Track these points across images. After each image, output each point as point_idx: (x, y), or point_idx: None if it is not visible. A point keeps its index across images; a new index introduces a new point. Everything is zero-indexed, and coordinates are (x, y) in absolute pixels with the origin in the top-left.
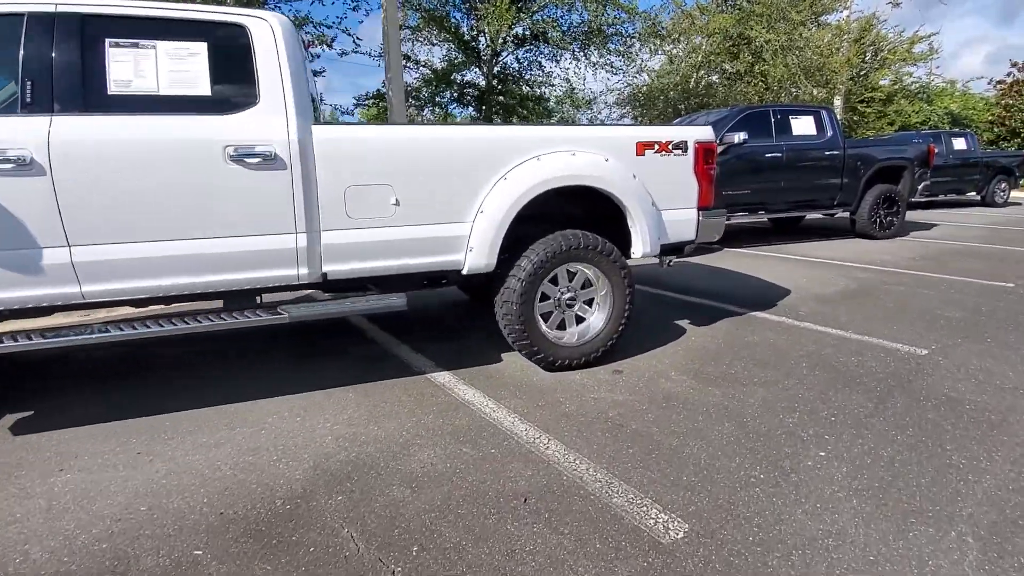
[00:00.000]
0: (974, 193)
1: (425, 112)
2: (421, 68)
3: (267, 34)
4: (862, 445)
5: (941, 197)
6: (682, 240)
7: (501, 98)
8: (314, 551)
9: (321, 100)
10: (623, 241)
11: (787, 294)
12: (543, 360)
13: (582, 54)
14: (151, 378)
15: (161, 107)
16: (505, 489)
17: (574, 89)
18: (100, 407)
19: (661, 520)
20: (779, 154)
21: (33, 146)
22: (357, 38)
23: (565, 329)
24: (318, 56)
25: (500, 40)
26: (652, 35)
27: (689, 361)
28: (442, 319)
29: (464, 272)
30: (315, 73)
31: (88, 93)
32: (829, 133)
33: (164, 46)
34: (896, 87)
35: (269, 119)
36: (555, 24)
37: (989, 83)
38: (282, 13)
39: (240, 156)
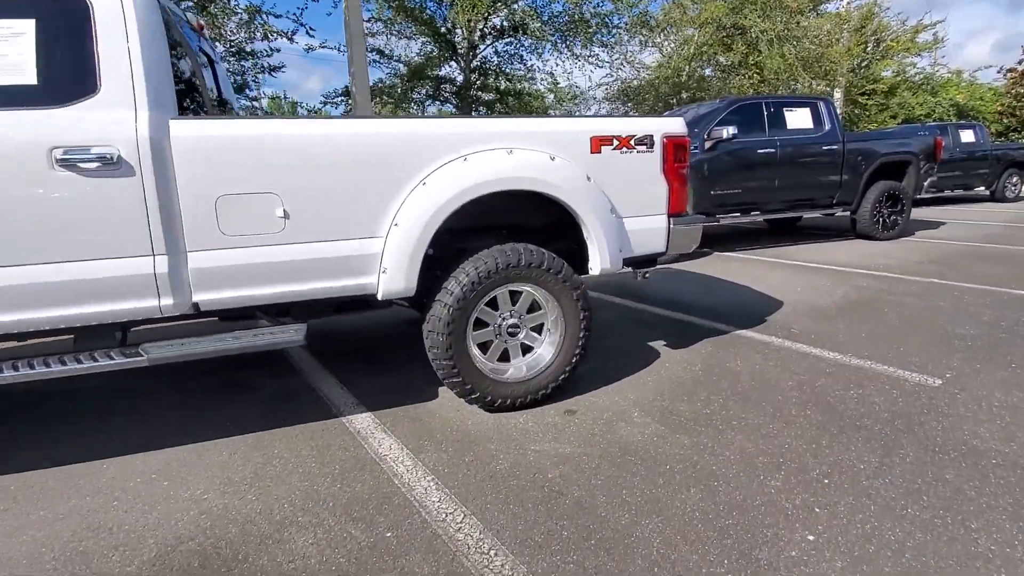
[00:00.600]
0: (983, 188)
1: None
2: (394, 63)
3: (112, 3)
4: (862, 524)
5: (948, 193)
6: (650, 252)
7: (480, 94)
8: None
9: (257, 100)
10: (584, 255)
11: (779, 307)
12: (479, 400)
13: (564, 46)
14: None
15: None
16: None
17: (558, 84)
18: None
19: None
20: (772, 149)
21: None
22: (311, 29)
23: (509, 361)
24: (277, 51)
25: (477, 32)
26: (641, 25)
27: (658, 396)
28: (386, 341)
29: (380, 298)
30: (272, 69)
31: None
32: (827, 126)
33: None
34: (899, 78)
35: (111, 112)
36: (535, 14)
37: (999, 71)
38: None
39: (71, 160)
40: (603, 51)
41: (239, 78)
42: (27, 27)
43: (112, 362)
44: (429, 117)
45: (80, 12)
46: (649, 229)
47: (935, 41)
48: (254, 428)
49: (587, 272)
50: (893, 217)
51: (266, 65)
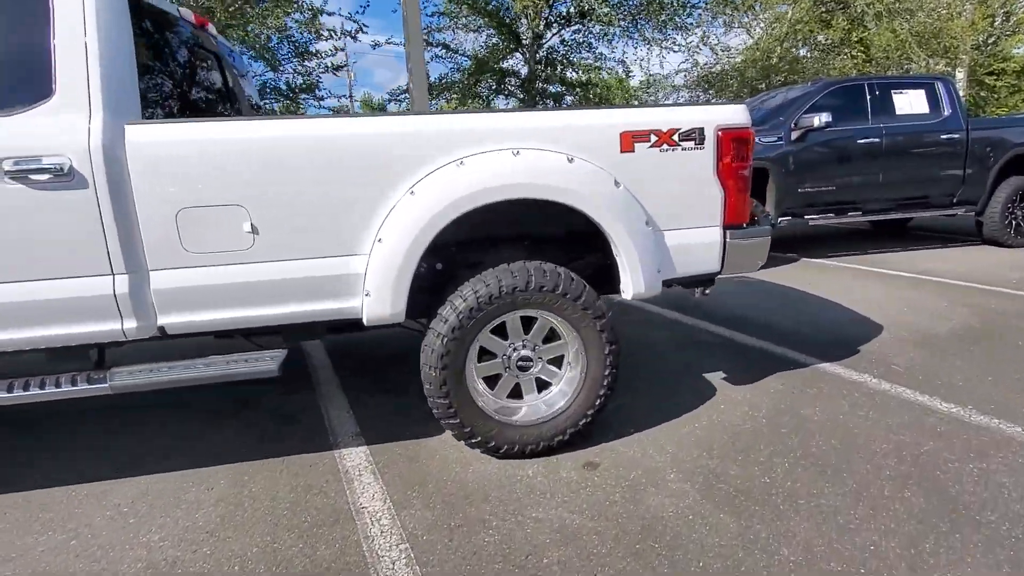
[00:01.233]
0: None
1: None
2: (458, 57)
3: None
4: None
5: None
6: (699, 272)
7: (546, 86)
8: None
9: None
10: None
11: (877, 333)
12: (481, 445)
13: (635, 31)
14: None
15: None
16: None
17: (629, 72)
18: None
19: None
20: (877, 139)
21: None
22: (364, 25)
23: (523, 398)
24: (341, 50)
25: (541, 20)
26: (725, 4)
27: (704, 452)
28: (414, 353)
29: (365, 324)
30: (337, 68)
31: None
32: (947, 111)
33: None
34: None
35: (63, 118)
36: None
37: None
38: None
39: (22, 172)
40: (679, 35)
41: (303, 79)
42: None
43: (71, 389)
44: (420, 112)
45: (39, 6)
46: (697, 244)
47: None
48: (244, 455)
49: (618, 293)
50: None
51: (329, 64)
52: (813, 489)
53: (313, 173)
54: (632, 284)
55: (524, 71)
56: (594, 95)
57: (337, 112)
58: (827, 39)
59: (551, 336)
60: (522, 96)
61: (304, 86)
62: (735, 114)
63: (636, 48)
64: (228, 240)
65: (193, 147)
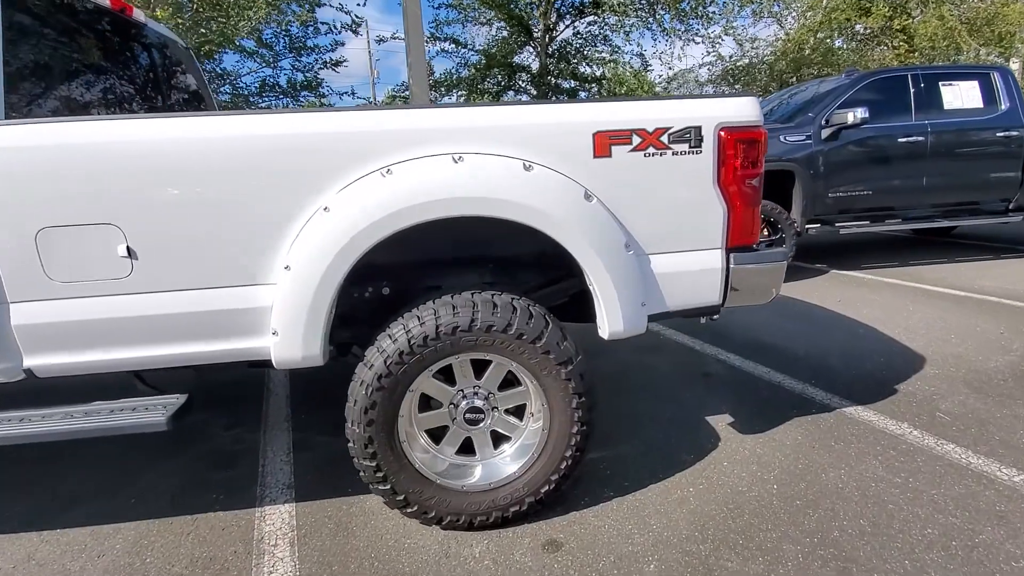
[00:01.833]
0: None
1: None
2: (464, 51)
3: None
4: None
5: None
6: (694, 305)
7: (558, 81)
8: None
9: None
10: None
11: (919, 367)
12: (418, 516)
13: (653, 21)
14: None
15: None
16: None
17: (648, 66)
18: None
19: None
20: (921, 137)
21: None
22: (356, 17)
23: (475, 454)
24: (341, 44)
25: (553, 10)
26: None
27: (697, 531)
28: None
29: (275, 366)
30: (336, 64)
31: None
32: (1005, 105)
33: None
34: None
35: None
36: None
37: None
38: None
39: None
40: (700, 24)
41: (303, 75)
42: None
43: None
44: (336, 109)
45: None
46: (692, 271)
47: None
48: (156, 510)
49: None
50: None
51: (328, 60)
52: None
53: (198, 185)
54: (608, 321)
55: (535, 65)
56: (609, 90)
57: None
58: (866, 28)
59: (511, 380)
60: (534, 92)
61: (305, 83)
62: (742, 109)
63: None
64: (101, 267)
65: (50, 153)
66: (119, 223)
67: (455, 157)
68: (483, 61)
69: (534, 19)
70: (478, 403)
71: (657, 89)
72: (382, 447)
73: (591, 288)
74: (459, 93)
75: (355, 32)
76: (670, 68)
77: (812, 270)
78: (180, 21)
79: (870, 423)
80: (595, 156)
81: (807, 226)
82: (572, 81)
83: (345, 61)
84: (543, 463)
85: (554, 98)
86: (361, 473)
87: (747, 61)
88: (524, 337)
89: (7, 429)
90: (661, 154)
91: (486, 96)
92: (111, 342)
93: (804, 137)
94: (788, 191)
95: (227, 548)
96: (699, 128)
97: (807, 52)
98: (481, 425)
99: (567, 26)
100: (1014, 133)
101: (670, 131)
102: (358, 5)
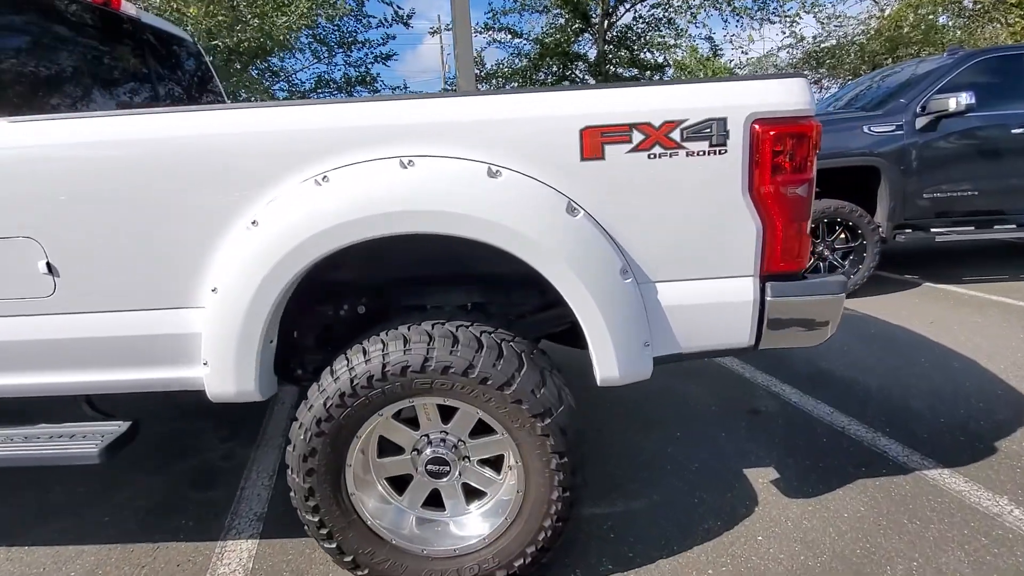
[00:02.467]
0: None
1: None
2: (518, 41)
3: None
4: None
5: None
6: (716, 347)
7: (616, 69)
8: None
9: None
10: None
11: None
12: None
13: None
14: None
15: None
16: None
17: (718, 51)
18: None
19: None
20: None
21: None
22: (399, 8)
23: (445, 508)
24: (393, 38)
25: None
26: None
27: None
28: None
29: (212, 399)
30: (386, 58)
31: None
32: None
33: None
34: None
35: None
36: None
37: None
38: None
39: None
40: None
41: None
42: None
43: None
44: (265, 104)
45: None
46: (713, 304)
47: None
48: (120, 534)
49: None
50: None
51: (379, 54)
52: None
53: (114, 192)
54: (599, 364)
55: (592, 54)
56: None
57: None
58: (975, 3)
59: (487, 424)
60: (591, 82)
61: (359, 78)
62: (785, 94)
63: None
64: (20, 284)
65: None
66: (38, 236)
67: (404, 161)
68: (537, 50)
69: (592, 4)
70: (443, 452)
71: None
72: (326, 500)
73: (581, 323)
74: (511, 85)
75: (406, 24)
76: (744, 52)
77: (900, 282)
78: (222, 18)
79: (959, 495)
80: (583, 158)
81: (895, 232)
82: (632, 69)
83: (395, 55)
84: (518, 531)
85: (534, 85)
86: (306, 527)
87: (833, 42)
88: (489, 382)
89: None
90: (671, 155)
91: (539, 86)
92: (32, 365)
93: (894, 127)
94: (872, 191)
95: None
96: (724, 120)
97: (905, 30)
98: (447, 478)
99: (627, 9)
100: None
101: (684, 125)
102: None
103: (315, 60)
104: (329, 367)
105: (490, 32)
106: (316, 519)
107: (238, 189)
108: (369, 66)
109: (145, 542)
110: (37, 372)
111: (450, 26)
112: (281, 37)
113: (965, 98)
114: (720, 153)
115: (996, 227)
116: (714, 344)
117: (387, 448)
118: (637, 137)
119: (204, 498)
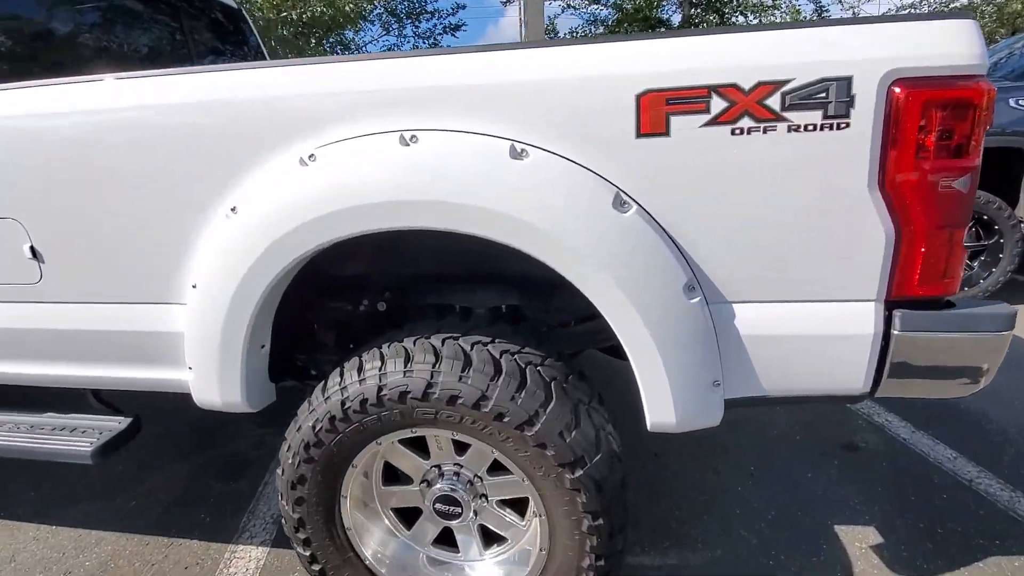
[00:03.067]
0: None
1: None
2: (593, 7)
3: None
4: None
5: None
6: (815, 391)
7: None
8: None
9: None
10: None
11: None
12: None
13: None
14: None
15: None
16: None
17: (824, 9)
18: None
19: None
20: None
21: None
22: None
23: (459, 550)
24: (463, 7)
25: None
26: None
27: None
28: None
29: (200, 406)
30: (455, 28)
31: None
32: None
33: None
34: None
35: None
36: None
37: None
38: None
39: None
40: None
41: (424, 42)
42: None
43: None
44: (230, 67)
45: None
46: (815, 336)
47: None
48: (141, 525)
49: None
50: None
51: (447, 24)
52: None
53: (90, 168)
54: (650, 405)
55: (677, 19)
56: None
57: None
58: None
59: (499, 466)
60: None
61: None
62: (944, 42)
63: None
64: (6, 269)
65: None
66: (20, 217)
67: (405, 136)
68: (616, 16)
69: None
70: (456, 488)
71: None
72: (318, 534)
73: (629, 351)
74: None
75: None
76: (854, 12)
77: None
78: None
79: None
80: (640, 134)
81: None
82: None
83: (464, 25)
84: None
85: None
86: (299, 559)
87: (965, 1)
88: (506, 419)
89: None
90: (766, 130)
91: None
92: (23, 356)
93: None
94: (1016, 178)
95: None
96: (847, 81)
97: None
98: (459, 520)
99: None
100: None
101: (788, 88)
102: None
103: (384, 32)
104: (323, 383)
105: None
106: (308, 553)
107: (213, 168)
108: (438, 37)
109: (162, 535)
110: (23, 362)
111: None
112: (348, 8)
113: None
114: (840, 127)
115: None
116: (810, 388)
117: (394, 472)
118: (718, 105)
119: (227, 490)
